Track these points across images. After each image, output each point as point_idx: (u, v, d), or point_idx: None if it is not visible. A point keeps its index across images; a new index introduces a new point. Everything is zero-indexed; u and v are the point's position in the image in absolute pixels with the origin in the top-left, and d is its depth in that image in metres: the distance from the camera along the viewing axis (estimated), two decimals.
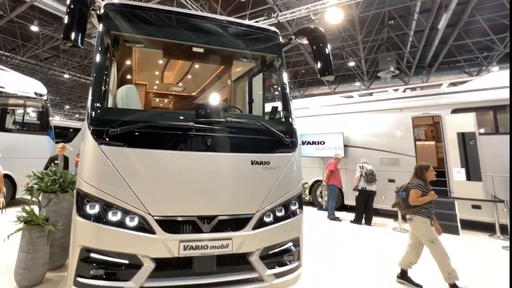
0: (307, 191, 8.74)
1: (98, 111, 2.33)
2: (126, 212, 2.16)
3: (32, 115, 8.21)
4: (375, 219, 7.30)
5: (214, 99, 4.67)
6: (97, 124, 2.25)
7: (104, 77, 2.65)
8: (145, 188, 2.23)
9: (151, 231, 2.18)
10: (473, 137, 6.77)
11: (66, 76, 19.66)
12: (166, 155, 2.32)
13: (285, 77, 3.27)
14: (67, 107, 29.84)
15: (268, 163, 2.68)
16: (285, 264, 2.70)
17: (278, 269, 2.63)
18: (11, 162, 5.42)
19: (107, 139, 2.20)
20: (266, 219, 2.62)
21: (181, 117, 2.48)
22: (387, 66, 15.40)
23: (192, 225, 2.31)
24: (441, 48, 13.65)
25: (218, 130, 2.53)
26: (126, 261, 2.13)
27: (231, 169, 2.54)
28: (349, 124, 8.63)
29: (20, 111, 7.68)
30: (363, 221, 7.04)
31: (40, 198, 3.29)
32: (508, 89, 6.39)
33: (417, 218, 3.54)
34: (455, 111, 7.19)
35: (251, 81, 4.00)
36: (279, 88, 3.28)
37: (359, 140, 8.43)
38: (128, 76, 3.92)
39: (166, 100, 5.46)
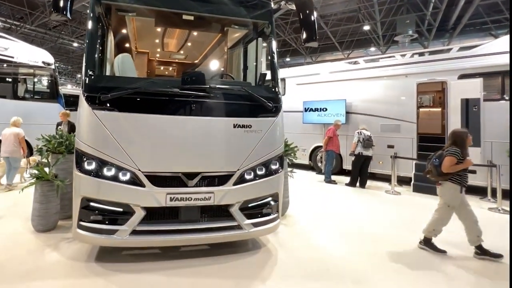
0: (307, 156, 9.02)
1: (91, 79, 2.56)
2: (118, 168, 2.49)
3: (42, 83, 8.58)
4: (371, 183, 7.57)
5: (204, 66, 4.81)
6: (90, 91, 2.50)
7: (97, 46, 2.84)
8: (135, 148, 2.53)
9: (141, 184, 2.52)
10: (477, 103, 6.66)
11: (75, 44, 19.81)
12: (153, 119, 2.58)
13: (274, 45, 3.35)
14: (79, 75, 30.36)
15: (249, 126, 2.91)
16: (264, 216, 3.04)
17: (256, 219, 2.97)
18: (26, 128, 5.90)
19: (100, 104, 2.47)
20: (247, 176, 2.91)
21: (168, 84, 2.70)
22: (405, 30, 14.60)
23: (178, 180, 2.63)
24: (466, 8, 12.71)
25: (202, 96, 2.74)
26: (120, 209, 2.51)
27: (214, 132, 2.79)
28: (353, 90, 8.57)
29: (30, 80, 8.05)
30: (358, 184, 7.33)
31: (49, 158, 3.71)
32: None
33: (448, 184, 3.38)
34: (462, 76, 7.00)
35: (242, 49, 4.09)
36: (268, 56, 3.39)
37: (361, 107, 8.42)
38: (122, 45, 4.08)
39: (157, 67, 5.62)
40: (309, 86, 9.24)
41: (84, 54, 2.70)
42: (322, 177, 8.00)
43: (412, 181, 6.99)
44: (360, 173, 7.34)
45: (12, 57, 7.56)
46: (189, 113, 2.69)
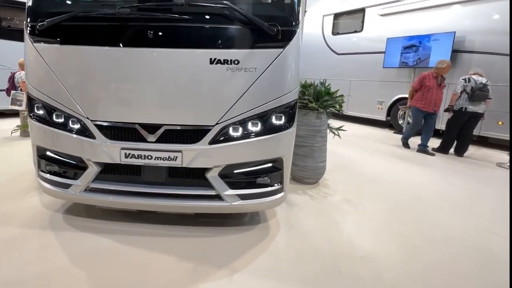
0: (384, 111, 7.22)
1: (34, 2, 2.09)
2: (66, 115, 2.09)
3: None
4: (475, 150, 5.52)
5: None
6: (32, 18, 2.05)
7: None
8: (81, 90, 2.04)
9: (91, 136, 2.08)
10: None
11: None
12: (100, 52, 1.99)
13: None
14: None
15: (236, 62, 2.01)
16: (257, 186, 2.27)
17: (244, 191, 2.24)
18: None
19: (40, 35, 2.01)
20: (233, 133, 2.12)
21: (118, 3, 2.00)
22: None
23: (134, 133, 2.08)
24: None
25: (165, 19, 1.96)
26: (73, 162, 2.17)
27: (182, 70, 2.02)
28: (469, 18, 5.98)
29: None
30: (452, 150, 5.43)
31: None
32: None
33: None
34: None
35: None
36: None
37: (481, 42, 5.88)
38: None
39: None
40: (398, 16, 6.95)
41: None
42: (400, 135, 6.30)
43: None
44: (460, 135, 5.36)
45: None
46: (148, 44, 1.97)
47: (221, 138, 2.12)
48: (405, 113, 6.91)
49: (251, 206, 2.33)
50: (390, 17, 7.02)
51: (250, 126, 2.14)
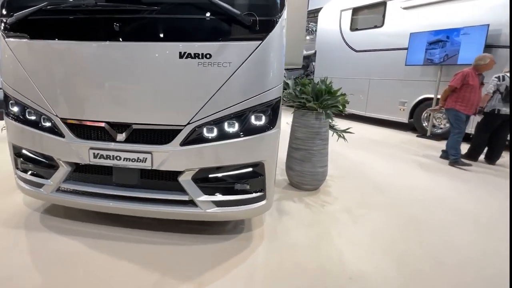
0: (406, 112, 6.67)
1: None
2: (36, 113, 2.03)
3: None
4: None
5: None
6: (4, 13, 2.01)
7: None
8: (49, 87, 1.96)
9: (60, 134, 2.00)
10: None
11: None
12: (66, 47, 1.90)
13: None
14: None
15: (208, 56, 1.83)
16: (236, 193, 2.08)
17: (221, 197, 2.06)
18: None
19: (10, 29, 1.97)
20: (207, 134, 1.95)
21: None
22: None
23: (103, 132, 1.97)
24: None
25: (131, 11, 1.84)
26: (46, 161, 2.11)
27: (150, 65, 1.87)
28: (507, 8, 5.33)
29: None
30: (482, 157, 4.84)
31: None
32: None
33: None
34: None
35: None
36: None
37: None
38: None
39: None
40: (423, 9, 6.38)
41: None
42: (425, 142, 5.76)
43: None
44: (491, 140, 4.77)
45: None
46: (114, 37, 1.84)
47: (194, 139, 1.96)
48: (429, 115, 6.32)
49: (229, 214, 2.14)
50: (414, 10, 6.46)
51: (226, 127, 1.96)
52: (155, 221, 2.38)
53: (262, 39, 1.84)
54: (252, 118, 1.97)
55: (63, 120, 1.98)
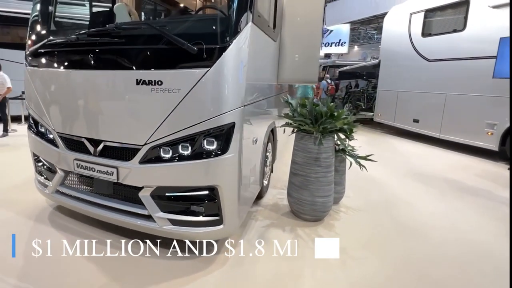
0: (496, 137, 5.23)
1: (30, 33, 2.58)
2: (43, 126, 2.52)
3: None
4: None
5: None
6: (28, 47, 2.55)
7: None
8: (49, 106, 2.41)
9: (56, 145, 2.40)
10: None
11: None
12: (54, 74, 2.36)
13: None
14: None
15: (159, 83, 1.95)
16: (191, 214, 2.09)
17: (176, 216, 2.11)
18: None
19: (28, 59, 2.52)
20: (163, 155, 2.04)
21: (74, 33, 2.25)
22: None
23: (84, 146, 2.27)
24: None
25: (99, 43, 2.14)
26: (49, 166, 2.56)
27: (114, 90, 2.14)
28: None
29: None
30: None
31: None
32: None
33: None
34: None
35: None
36: None
37: None
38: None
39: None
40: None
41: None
42: None
43: None
44: None
45: None
46: (87, 66, 2.20)
47: (151, 159, 2.06)
48: None
49: (183, 234, 2.15)
50: (506, 10, 5.09)
51: (180, 149, 2.02)
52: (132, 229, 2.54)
53: (209, 66, 1.85)
54: (204, 142, 1.97)
55: (58, 133, 2.38)
